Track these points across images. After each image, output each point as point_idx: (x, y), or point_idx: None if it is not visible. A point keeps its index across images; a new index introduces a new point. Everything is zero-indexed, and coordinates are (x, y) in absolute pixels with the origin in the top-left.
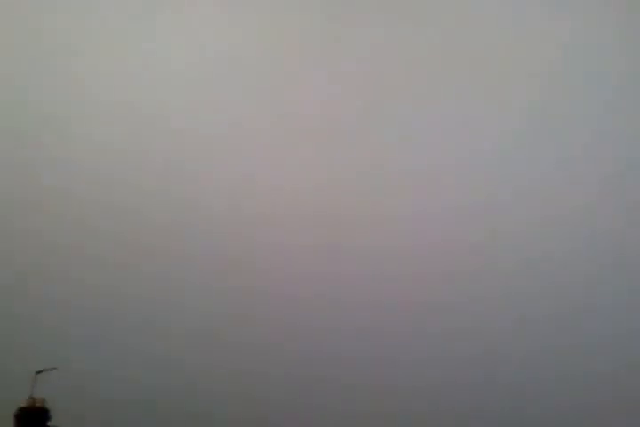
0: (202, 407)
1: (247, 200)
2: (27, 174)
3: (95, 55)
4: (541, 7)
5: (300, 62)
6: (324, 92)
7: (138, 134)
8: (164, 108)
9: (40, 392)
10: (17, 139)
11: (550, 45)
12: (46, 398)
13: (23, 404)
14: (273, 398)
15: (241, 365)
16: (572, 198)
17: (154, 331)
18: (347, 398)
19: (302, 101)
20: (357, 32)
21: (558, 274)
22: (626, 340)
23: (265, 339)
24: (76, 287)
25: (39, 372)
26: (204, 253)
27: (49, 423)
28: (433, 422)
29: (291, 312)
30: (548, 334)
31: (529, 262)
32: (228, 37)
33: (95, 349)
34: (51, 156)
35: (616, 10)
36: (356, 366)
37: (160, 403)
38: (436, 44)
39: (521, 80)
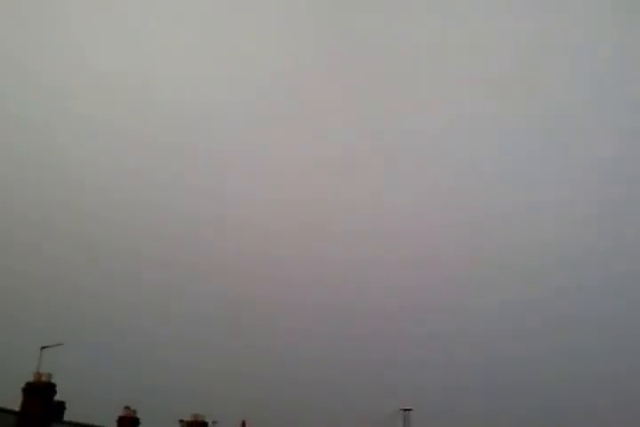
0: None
1: None
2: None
3: None
4: (542, 8)
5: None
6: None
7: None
8: None
9: (46, 368)
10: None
11: (550, 45)
12: (53, 373)
13: (30, 379)
14: None
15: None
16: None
17: (154, 313)
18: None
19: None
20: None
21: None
22: None
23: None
24: (83, 269)
25: (45, 347)
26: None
27: (55, 398)
28: None
29: None
30: None
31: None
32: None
33: (98, 327)
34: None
35: (616, 10)
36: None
37: (159, 382)
38: (434, 43)
39: (520, 80)
